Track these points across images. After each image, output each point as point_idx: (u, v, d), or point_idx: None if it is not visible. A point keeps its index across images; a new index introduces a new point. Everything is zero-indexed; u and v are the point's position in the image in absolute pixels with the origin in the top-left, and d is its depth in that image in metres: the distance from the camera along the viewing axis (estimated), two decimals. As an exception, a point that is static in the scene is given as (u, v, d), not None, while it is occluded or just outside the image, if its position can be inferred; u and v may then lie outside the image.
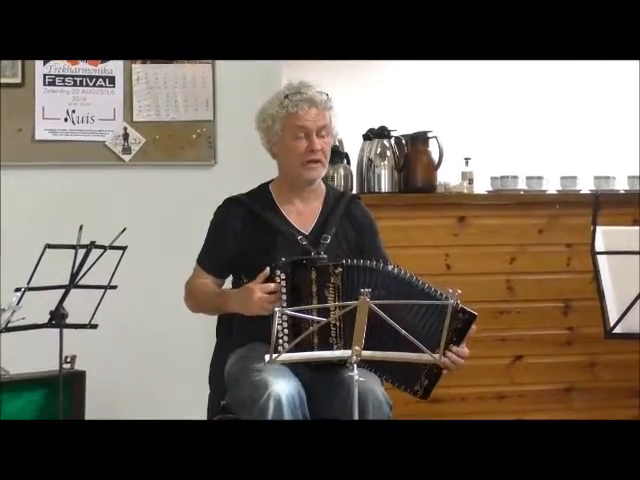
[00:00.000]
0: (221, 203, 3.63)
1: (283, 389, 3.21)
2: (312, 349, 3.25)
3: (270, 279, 3.35)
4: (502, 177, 4.85)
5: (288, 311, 3.18)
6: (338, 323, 3.29)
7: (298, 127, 3.52)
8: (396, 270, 3.37)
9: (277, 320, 3.12)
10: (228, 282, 3.63)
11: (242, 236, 3.54)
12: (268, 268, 3.35)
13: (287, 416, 3.20)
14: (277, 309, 3.10)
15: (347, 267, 3.35)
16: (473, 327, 3.34)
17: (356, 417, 3.01)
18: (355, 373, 2.98)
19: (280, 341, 3.25)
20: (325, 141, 3.54)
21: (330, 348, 3.27)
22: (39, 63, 4.49)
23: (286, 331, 3.28)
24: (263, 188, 3.65)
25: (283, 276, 3.34)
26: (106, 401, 4.36)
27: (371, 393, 3.27)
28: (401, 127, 4.81)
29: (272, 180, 3.67)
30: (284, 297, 3.33)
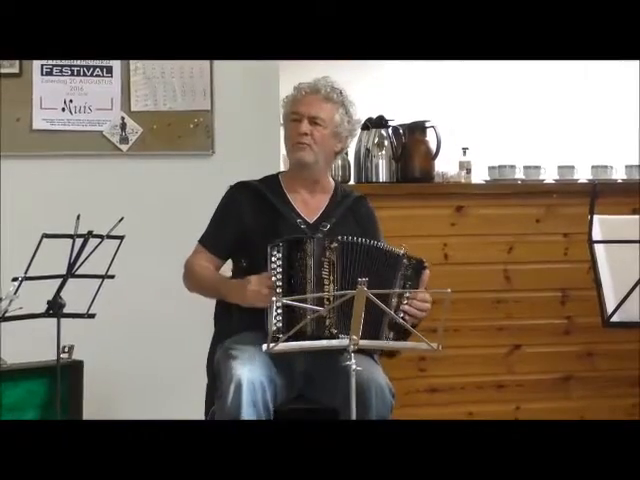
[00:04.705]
0: (232, 185, 3.65)
1: (245, 375, 3.23)
2: (309, 338, 3.25)
3: (266, 259, 3.34)
4: (500, 167, 4.84)
5: (285, 300, 3.18)
6: (334, 312, 3.28)
7: (292, 112, 3.57)
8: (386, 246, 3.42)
9: (274, 309, 3.12)
10: (227, 268, 3.64)
11: (247, 219, 3.55)
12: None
13: (245, 401, 3.21)
14: (274, 298, 3.10)
15: (343, 243, 3.36)
16: (426, 272, 3.43)
17: (354, 405, 3.01)
18: (353, 362, 2.98)
19: (275, 327, 3.25)
20: (318, 129, 3.54)
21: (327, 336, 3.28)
22: (36, 53, 4.49)
23: (281, 322, 3.28)
24: (273, 177, 3.70)
25: (279, 255, 3.33)
26: (104, 390, 4.36)
27: (373, 381, 3.29)
28: (399, 117, 4.80)
29: (282, 171, 3.75)
30: (279, 276, 3.32)
